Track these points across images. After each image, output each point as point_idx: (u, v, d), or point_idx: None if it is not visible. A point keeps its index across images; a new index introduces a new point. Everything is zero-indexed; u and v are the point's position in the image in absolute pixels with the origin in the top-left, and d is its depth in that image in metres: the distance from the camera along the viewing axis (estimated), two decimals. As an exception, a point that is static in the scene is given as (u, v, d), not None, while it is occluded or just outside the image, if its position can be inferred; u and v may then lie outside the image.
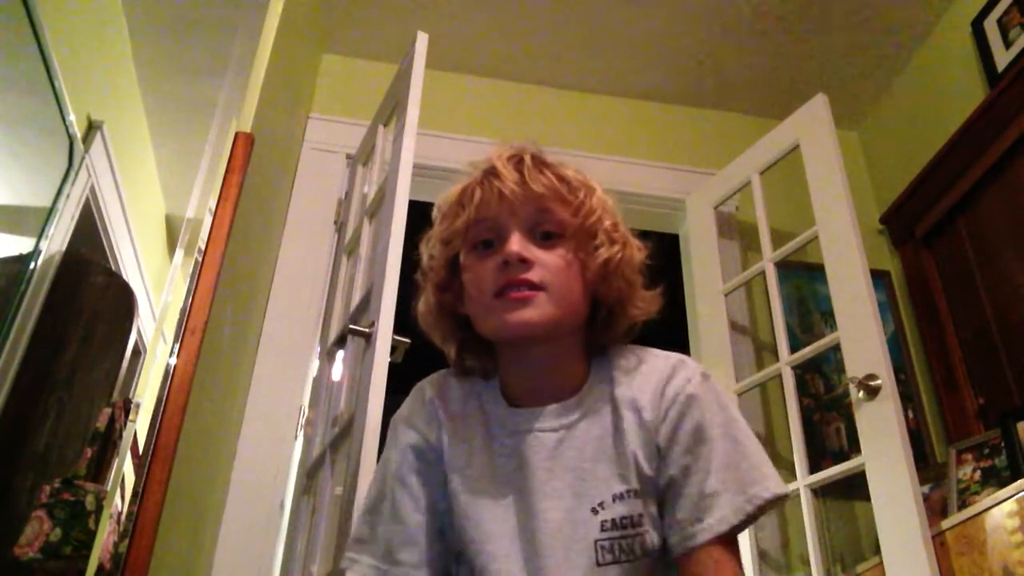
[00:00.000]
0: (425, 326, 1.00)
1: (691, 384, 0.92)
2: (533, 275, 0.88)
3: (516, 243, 0.89)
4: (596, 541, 0.86)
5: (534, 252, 0.90)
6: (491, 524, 0.90)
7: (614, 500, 0.88)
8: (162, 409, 1.42)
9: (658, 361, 0.95)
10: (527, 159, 0.93)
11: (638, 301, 0.96)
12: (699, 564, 0.84)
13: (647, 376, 0.94)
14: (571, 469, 0.90)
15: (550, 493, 0.89)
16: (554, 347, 0.93)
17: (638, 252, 0.97)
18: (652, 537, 0.87)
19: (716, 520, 0.84)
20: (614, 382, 0.94)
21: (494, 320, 0.90)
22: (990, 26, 2.37)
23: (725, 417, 0.91)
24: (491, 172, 0.93)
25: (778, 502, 0.87)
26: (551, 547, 0.86)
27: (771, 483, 0.86)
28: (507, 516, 0.90)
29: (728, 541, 0.85)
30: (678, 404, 0.90)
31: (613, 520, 0.87)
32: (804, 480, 2.03)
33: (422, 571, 0.91)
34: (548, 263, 0.89)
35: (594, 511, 0.87)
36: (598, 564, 0.85)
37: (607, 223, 0.94)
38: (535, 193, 0.91)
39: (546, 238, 0.91)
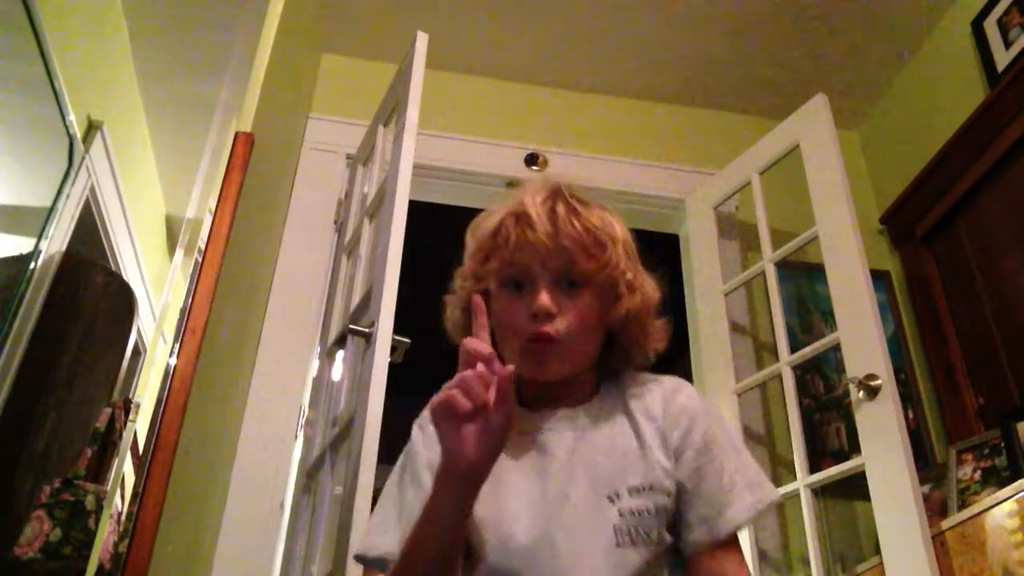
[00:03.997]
0: (454, 336, 1.09)
1: (694, 401, 1.03)
2: (557, 327, 0.97)
3: (546, 298, 0.98)
4: (615, 526, 0.92)
5: (561, 303, 0.98)
6: (513, 500, 0.95)
7: (630, 493, 0.94)
8: (162, 409, 1.42)
9: (661, 382, 1.06)
10: (560, 208, 1.00)
11: (652, 341, 1.06)
12: (718, 564, 0.93)
13: (655, 392, 1.04)
14: (586, 460, 0.97)
15: (571, 479, 0.96)
16: (569, 381, 1.03)
17: (653, 293, 1.06)
18: (663, 532, 0.94)
19: (735, 512, 0.94)
20: (627, 395, 1.04)
21: (516, 361, 0.97)
22: (990, 26, 2.37)
23: (724, 431, 1.03)
24: (525, 218, 1.01)
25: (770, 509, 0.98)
26: (574, 528, 0.92)
27: (770, 489, 0.98)
28: (530, 492, 0.96)
29: (737, 545, 0.95)
30: (687, 414, 1.01)
31: (631, 510, 0.93)
32: (804, 480, 2.02)
33: None
34: (572, 313, 0.99)
35: (610, 499, 0.94)
36: (617, 545, 0.91)
37: (628, 274, 1.03)
38: (565, 247, 0.99)
39: (571, 286, 1.00)
